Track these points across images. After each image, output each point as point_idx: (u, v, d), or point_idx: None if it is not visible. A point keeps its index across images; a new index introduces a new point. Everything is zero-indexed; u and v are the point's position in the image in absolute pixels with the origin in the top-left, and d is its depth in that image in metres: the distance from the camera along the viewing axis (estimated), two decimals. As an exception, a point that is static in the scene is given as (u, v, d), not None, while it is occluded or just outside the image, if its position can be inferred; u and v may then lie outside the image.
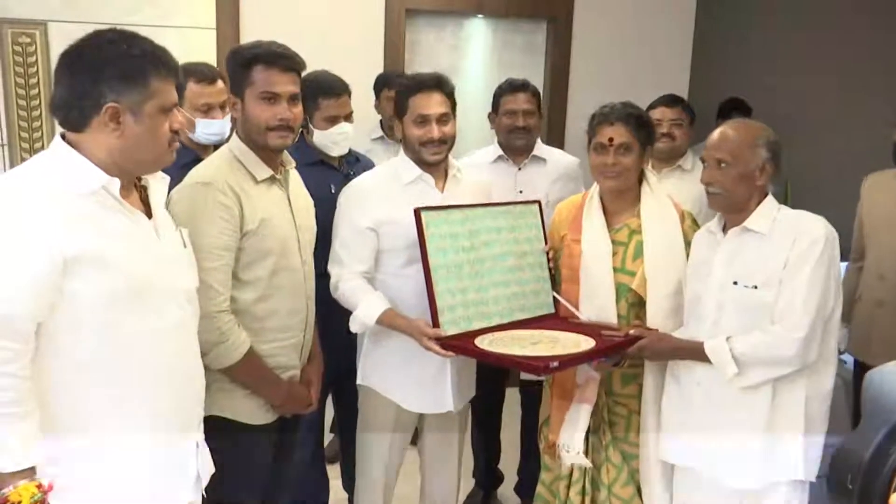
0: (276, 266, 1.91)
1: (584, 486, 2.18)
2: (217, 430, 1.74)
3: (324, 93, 2.48)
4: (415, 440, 2.39)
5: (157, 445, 1.50)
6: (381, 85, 3.42)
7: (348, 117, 2.55)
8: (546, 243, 2.29)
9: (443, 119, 2.13)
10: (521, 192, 2.73)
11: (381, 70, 3.66)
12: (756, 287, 1.87)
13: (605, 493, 2.17)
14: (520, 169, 2.83)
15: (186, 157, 2.13)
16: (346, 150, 2.58)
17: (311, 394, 2.08)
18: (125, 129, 1.42)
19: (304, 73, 2.01)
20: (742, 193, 1.90)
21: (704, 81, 4.31)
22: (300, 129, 2.09)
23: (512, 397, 2.99)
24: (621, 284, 2.12)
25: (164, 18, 3.46)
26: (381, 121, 3.49)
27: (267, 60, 1.88)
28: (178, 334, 1.55)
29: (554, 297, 2.25)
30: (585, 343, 1.97)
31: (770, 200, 1.94)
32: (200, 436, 1.63)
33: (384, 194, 2.15)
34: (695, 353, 1.93)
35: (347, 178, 2.37)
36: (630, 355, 2.03)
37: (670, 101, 3.03)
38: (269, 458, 2.02)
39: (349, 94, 2.56)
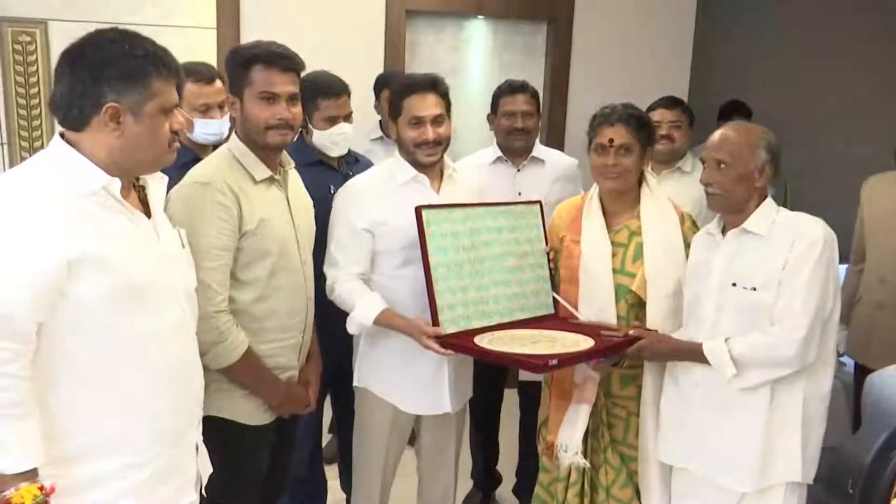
0: (275, 266, 1.91)
1: (582, 488, 2.19)
2: (215, 431, 1.74)
3: (323, 93, 2.47)
4: (412, 440, 2.39)
5: (157, 446, 1.50)
6: (380, 85, 3.42)
7: (348, 118, 2.55)
8: (546, 244, 2.29)
9: (437, 120, 2.13)
10: (519, 193, 2.73)
11: (381, 70, 3.66)
12: (755, 288, 1.87)
13: (604, 495, 2.17)
14: (519, 170, 2.83)
15: (185, 156, 2.12)
16: (346, 151, 2.58)
17: (309, 394, 2.08)
18: (125, 129, 1.42)
19: (303, 74, 2.01)
20: (741, 194, 1.91)
21: (704, 83, 4.31)
22: (299, 130, 2.10)
23: (510, 398, 2.99)
24: (620, 285, 2.12)
25: (164, 18, 3.46)
26: (380, 121, 3.48)
27: (266, 60, 1.88)
28: (178, 334, 1.55)
29: (553, 298, 2.25)
30: (585, 343, 1.98)
31: (769, 202, 1.94)
32: (199, 436, 1.63)
33: (380, 195, 2.15)
34: (694, 354, 1.93)
35: (346, 179, 2.37)
36: (629, 356, 2.03)
37: (670, 102, 3.03)
38: (267, 459, 2.02)
39: (349, 94, 2.56)
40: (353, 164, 2.61)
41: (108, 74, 1.39)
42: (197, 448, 1.62)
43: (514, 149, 2.81)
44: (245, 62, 1.89)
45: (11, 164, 3.48)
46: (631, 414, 2.16)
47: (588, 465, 2.15)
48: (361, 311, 2.09)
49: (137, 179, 1.54)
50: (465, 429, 2.50)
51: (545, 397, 2.29)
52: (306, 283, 2.02)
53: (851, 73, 4.87)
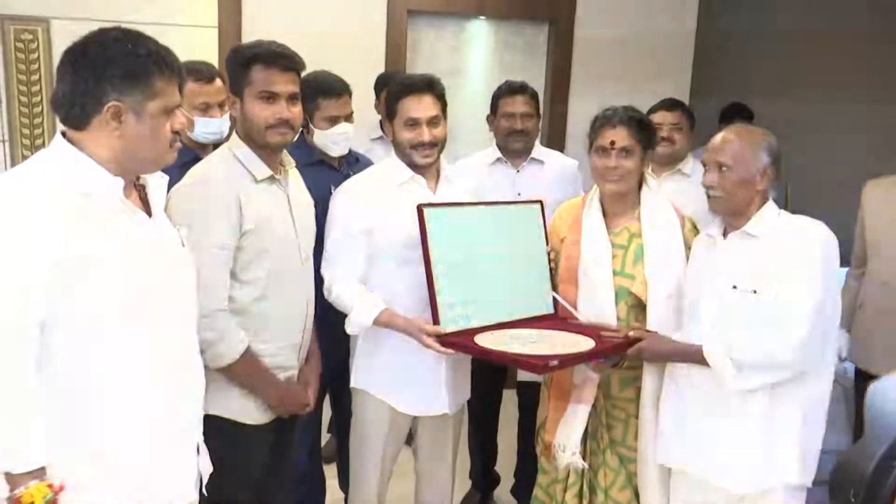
0: (275, 266, 1.91)
1: (581, 489, 2.19)
2: (214, 430, 1.73)
3: (324, 93, 2.47)
4: (410, 440, 2.39)
5: (159, 445, 1.50)
6: (381, 85, 3.42)
7: (349, 118, 2.55)
8: (547, 244, 2.29)
9: (433, 122, 2.12)
10: (519, 194, 2.74)
11: (382, 70, 3.66)
12: (755, 291, 1.87)
13: (603, 497, 2.17)
14: (518, 171, 2.83)
15: (185, 156, 2.12)
16: (347, 151, 2.58)
17: (308, 394, 2.08)
18: (127, 128, 1.42)
19: (304, 73, 2.01)
20: (743, 197, 1.91)
21: (705, 85, 4.31)
22: (300, 129, 2.09)
23: (509, 399, 2.99)
24: (620, 287, 2.12)
25: (166, 17, 3.46)
26: (380, 121, 3.48)
27: (266, 60, 1.88)
28: (180, 334, 1.55)
29: (553, 298, 2.25)
30: (585, 343, 1.98)
31: (770, 205, 1.94)
32: (200, 436, 1.64)
33: (376, 196, 2.14)
34: (693, 355, 1.93)
35: (347, 178, 2.37)
36: (629, 357, 2.03)
37: (670, 105, 3.03)
38: (266, 458, 2.02)
39: (350, 94, 2.56)
40: (353, 163, 2.61)
41: (110, 73, 1.39)
42: (198, 447, 1.62)
43: (514, 150, 2.81)
44: (245, 62, 1.89)
45: (13, 162, 3.49)
46: (630, 416, 2.16)
47: (586, 465, 2.15)
48: (360, 311, 2.08)
49: (138, 179, 1.54)
50: (463, 429, 2.50)
51: (544, 398, 2.29)
52: (306, 283, 2.02)
53: (853, 75, 4.87)
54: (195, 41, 3.49)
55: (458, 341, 2.00)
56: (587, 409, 2.13)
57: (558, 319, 2.21)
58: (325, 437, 3.13)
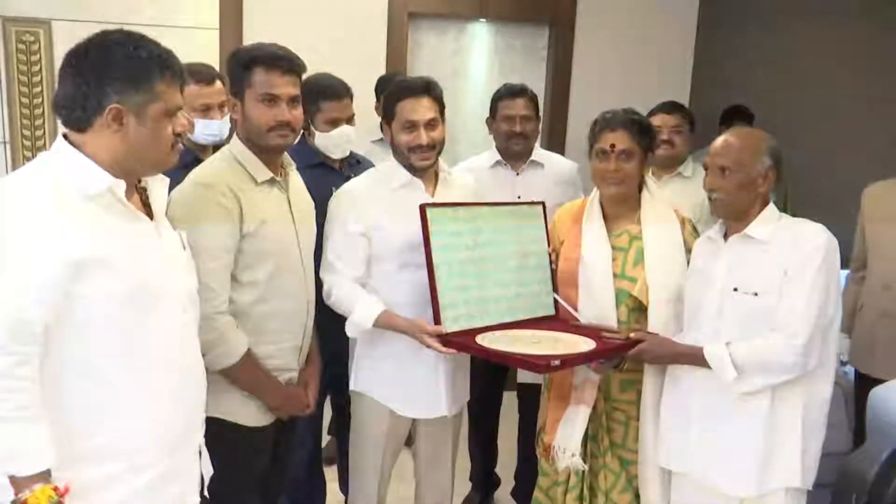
0: (276, 268, 1.91)
1: (581, 492, 2.19)
2: (214, 432, 1.73)
3: (325, 95, 2.48)
4: (409, 442, 2.39)
5: (161, 448, 1.50)
6: (382, 87, 3.41)
7: (350, 120, 2.56)
8: (549, 245, 2.29)
9: (431, 124, 2.12)
10: (519, 196, 2.74)
11: (383, 73, 3.66)
12: (756, 294, 1.88)
13: (603, 500, 2.17)
14: (518, 174, 2.83)
15: (185, 157, 2.13)
16: (348, 153, 2.58)
17: (308, 396, 2.07)
18: (128, 130, 1.42)
19: (306, 76, 2.01)
20: (744, 200, 1.91)
21: (706, 87, 4.32)
22: (301, 131, 2.10)
23: (510, 401, 2.99)
24: (621, 290, 2.12)
25: (167, 18, 3.47)
26: (381, 123, 3.48)
27: (267, 62, 1.88)
28: (181, 336, 1.55)
29: (554, 299, 2.25)
30: (586, 345, 1.98)
31: (771, 208, 1.95)
32: (202, 438, 1.64)
33: (375, 199, 2.14)
34: (694, 357, 1.93)
35: (348, 181, 2.37)
36: (630, 358, 2.03)
37: (670, 107, 3.03)
38: (267, 460, 2.02)
39: (351, 96, 2.56)
40: (354, 165, 2.61)
41: (111, 76, 1.39)
42: (199, 450, 1.62)
43: (513, 153, 2.81)
44: (246, 64, 1.89)
45: (14, 164, 3.49)
46: (630, 418, 2.16)
47: (586, 467, 2.15)
48: (361, 313, 2.08)
49: (139, 181, 1.54)
50: (462, 431, 2.50)
51: (544, 400, 2.29)
52: (307, 285, 2.02)
53: (853, 77, 4.87)
54: (196, 43, 3.49)
55: (460, 341, 2.01)
56: (587, 411, 2.13)
57: (559, 321, 2.21)
58: (326, 439, 3.13)
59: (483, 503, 3.10)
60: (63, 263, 1.33)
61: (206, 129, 2.44)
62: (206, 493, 1.66)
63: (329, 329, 2.19)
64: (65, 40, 3.31)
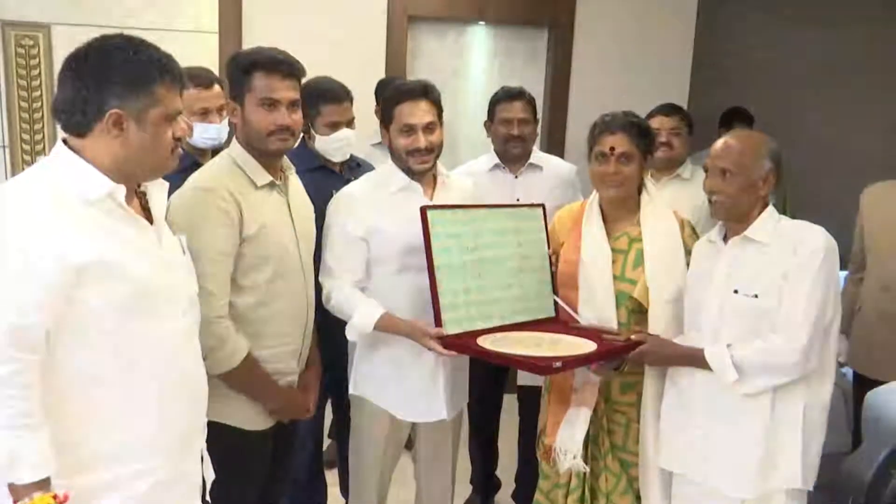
0: (276, 272, 1.91)
1: (582, 494, 2.18)
2: (214, 436, 1.73)
3: (325, 99, 2.48)
4: (409, 446, 2.39)
5: (163, 454, 1.50)
6: (382, 91, 3.42)
7: (350, 123, 2.56)
8: (549, 247, 2.29)
9: (429, 128, 2.12)
10: (517, 199, 2.74)
11: (382, 76, 3.67)
12: (756, 296, 1.88)
13: (604, 502, 2.17)
14: (517, 177, 2.83)
15: (184, 161, 2.13)
16: (348, 156, 2.59)
17: (308, 399, 2.08)
18: (128, 135, 1.42)
19: (306, 79, 2.01)
20: (745, 203, 1.92)
21: (704, 90, 4.32)
22: (301, 135, 2.10)
23: (510, 403, 2.99)
24: (621, 292, 2.12)
25: (167, 22, 3.47)
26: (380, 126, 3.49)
27: (267, 67, 1.88)
28: (182, 341, 1.55)
29: (554, 301, 2.25)
30: (587, 346, 1.98)
31: (771, 210, 1.95)
32: (204, 443, 1.64)
33: (373, 203, 2.14)
34: (695, 359, 1.94)
35: (349, 184, 2.38)
36: (631, 360, 2.03)
37: (669, 109, 3.03)
38: (267, 464, 2.02)
39: (351, 100, 2.57)
40: (354, 169, 2.62)
41: (111, 80, 1.39)
42: (202, 455, 1.62)
43: (512, 156, 2.81)
44: (246, 68, 1.89)
45: (13, 168, 3.49)
46: (631, 420, 2.16)
47: (587, 469, 2.15)
48: (361, 316, 2.08)
49: (139, 185, 1.54)
50: (463, 434, 2.50)
51: (544, 402, 2.29)
52: (307, 289, 2.02)
53: (850, 81, 4.88)
54: (196, 47, 3.49)
55: (461, 343, 2.01)
56: (588, 413, 2.13)
57: (560, 323, 2.22)
58: (326, 443, 3.13)
59: (484, 506, 3.10)
60: (64, 269, 1.32)
61: (205, 133, 2.44)
62: (207, 497, 1.67)
63: (329, 332, 2.19)
64: (64, 44, 3.32)
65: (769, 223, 1.92)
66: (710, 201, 1.97)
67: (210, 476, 1.66)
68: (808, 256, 1.85)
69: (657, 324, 2.07)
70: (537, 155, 2.89)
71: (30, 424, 1.31)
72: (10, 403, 1.30)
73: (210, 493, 1.67)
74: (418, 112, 2.11)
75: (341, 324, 2.14)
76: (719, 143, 1.97)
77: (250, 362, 1.87)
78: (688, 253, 2.11)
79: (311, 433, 2.62)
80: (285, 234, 1.95)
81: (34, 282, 1.31)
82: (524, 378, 2.70)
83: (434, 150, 2.14)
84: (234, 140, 1.98)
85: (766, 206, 1.95)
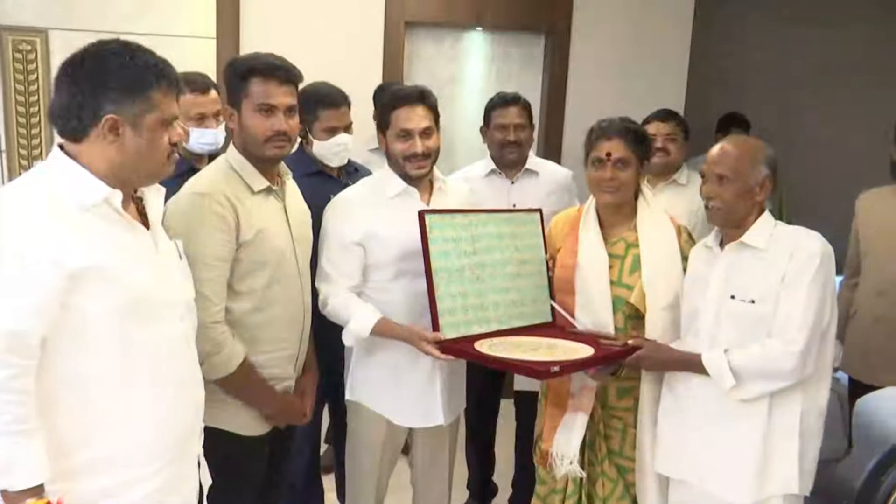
0: (272, 277, 1.91)
1: (579, 500, 2.18)
2: (210, 441, 1.72)
3: (323, 104, 2.49)
4: (406, 451, 2.39)
5: (160, 459, 1.49)
6: (379, 96, 3.43)
7: (348, 128, 2.56)
8: (546, 252, 2.29)
9: (426, 133, 2.12)
10: (514, 205, 2.74)
11: (380, 81, 3.68)
12: (753, 301, 1.88)
13: (601, 507, 2.17)
14: (513, 182, 2.84)
15: (181, 166, 2.13)
16: (346, 161, 2.59)
17: (304, 404, 2.07)
18: (124, 140, 1.42)
19: (303, 84, 2.01)
20: (742, 209, 1.92)
21: (701, 96, 4.34)
22: (298, 140, 2.10)
23: (507, 408, 2.99)
24: (617, 297, 2.12)
25: (164, 27, 3.47)
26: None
27: (264, 72, 1.88)
28: (179, 346, 1.54)
29: (551, 306, 2.26)
30: (584, 351, 1.98)
31: (767, 216, 1.95)
32: (200, 448, 1.63)
33: (369, 208, 2.14)
34: (692, 364, 1.94)
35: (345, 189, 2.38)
36: (628, 365, 2.03)
37: (665, 115, 3.04)
38: (264, 469, 2.02)
39: (349, 105, 2.57)
40: (352, 174, 2.62)
41: (107, 86, 1.39)
42: (199, 460, 1.62)
43: (508, 161, 2.82)
44: (243, 74, 1.89)
45: (10, 173, 3.49)
46: (627, 426, 2.16)
47: (584, 474, 2.14)
48: (357, 321, 2.08)
49: (135, 191, 1.54)
50: (459, 439, 2.50)
51: (541, 408, 2.29)
52: (303, 294, 2.02)
53: (847, 86, 4.90)
54: (193, 52, 3.50)
55: (458, 347, 2.01)
56: (585, 418, 2.13)
57: (557, 327, 2.22)
58: (323, 448, 3.13)
59: (481, 511, 3.10)
60: (60, 274, 1.32)
61: (202, 139, 2.44)
62: (205, 502, 1.66)
63: (326, 337, 2.19)
64: (61, 49, 3.32)
65: (766, 229, 1.93)
66: (706, 207, 1.97)
67: (207, 481, 1.65)
68: (804, 262, 1.85)
69: (654, 329, 2.07)
70: (534, 160, 2.89)
71: (26, 430, 1.31)
72: (6, 409, 1.29)
73: (207, 498, 1.66)
74: (415, 117, 2.11)
75: (338, 329, 2.14)
76: (716, 148, 1.97)
77: (247, 367, 1.87)
78: (684, 258, 2.11)
79: (308, 438, 2.62)
80: (282, 240, 1.95)
81: (30, 287, 1.31)
82: (521, 383, 2.70)
83: (431, 156, 2.15)
84: (230, 145, 1.98)
85: (762, 211, 1.95)
